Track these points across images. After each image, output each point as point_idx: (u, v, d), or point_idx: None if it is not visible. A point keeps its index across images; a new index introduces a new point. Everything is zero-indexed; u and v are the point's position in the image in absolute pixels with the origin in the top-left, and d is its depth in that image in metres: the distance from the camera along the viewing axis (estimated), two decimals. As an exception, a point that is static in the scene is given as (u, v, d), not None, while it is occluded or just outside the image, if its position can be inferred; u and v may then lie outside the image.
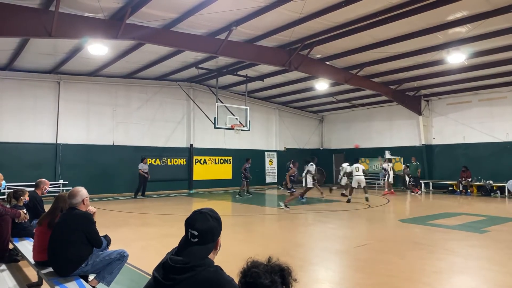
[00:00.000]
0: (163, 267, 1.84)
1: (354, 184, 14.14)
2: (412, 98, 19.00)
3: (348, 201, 13.54)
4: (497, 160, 16.81)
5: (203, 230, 1.84)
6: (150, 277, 1.94)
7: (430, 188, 18.60)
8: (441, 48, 12.40)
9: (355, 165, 14.42)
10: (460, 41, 11.76)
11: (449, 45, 12.11)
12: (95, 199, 14.41)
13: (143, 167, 15.83)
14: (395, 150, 20.68)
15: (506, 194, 15.89)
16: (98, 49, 11.51)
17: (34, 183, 6.50)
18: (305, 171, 14.37)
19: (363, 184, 14.02)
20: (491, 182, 16.44)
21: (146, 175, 15.85)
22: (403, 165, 19.26)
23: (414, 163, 18.75)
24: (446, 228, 8.65)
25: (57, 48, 12.54)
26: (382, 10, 9.94)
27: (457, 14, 10.19)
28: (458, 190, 17.25)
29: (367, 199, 13.59)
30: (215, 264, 1.84)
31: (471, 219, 9.84)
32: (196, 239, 1.84)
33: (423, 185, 18.63)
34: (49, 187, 6.74)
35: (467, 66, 13.89)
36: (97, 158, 16.14)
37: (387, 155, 20.54)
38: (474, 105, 17.90)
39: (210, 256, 1.87)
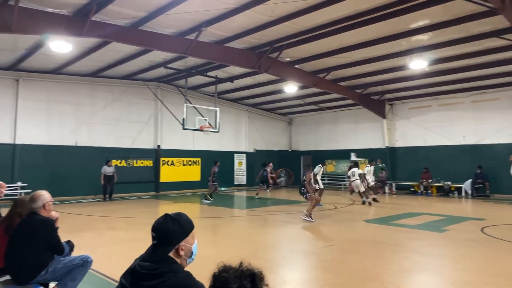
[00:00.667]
0: (131, 274, 1.79)
1: (355, 189, 14.02)
2: (377, 102, 19.62)
3: (363, 202, 13.56)
4: (455, 162, 17.68)
5: (160, 232, 1.86)
6: (116, 284, 1.89)
7: (394, 189, 19.25)
8: (405, 55, 12.91)
9: (352, 169, 14.14)
10: (422, 48, 12.29)
11: (412, 51, 12.63)
12: (57, 202, 13.76)
13: (105, 170, 15.14)
14: (360, 152, 21.24)
15: (463, 194, 16.74)
16: (61, 46, 11.07)
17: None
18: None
19: (360, 189, 13.73)
20: (449, 183, 17.27)
21: (108, 178, 15.10)
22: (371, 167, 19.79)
23: (380, 164, 19.35)
24: (408, 228, 8.99)
25: (17, 43, 11.95)
26: (350, 16, 10.21)
27: (420, 22, 10.64)
28: (419, 191, 17.99)
29: (364, 203, 13.50)
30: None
31: (431, 218, 10.28)
32: (154, 241, 1.86)
33: (387, 187, 19.25)
34: (6, 190, 6.38)
35: (428, 72, 14.53)
36: (58, 159, 15.48)
37: (353, 157, 21.09)
38: (434, 110, 18.73)
39: (181, 262, 1.85)
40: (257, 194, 16.51)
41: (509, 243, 7.16)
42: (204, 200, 14.81)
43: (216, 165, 15.38)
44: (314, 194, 10.65)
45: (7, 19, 8.87)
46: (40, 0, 9.05)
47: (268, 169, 16.82)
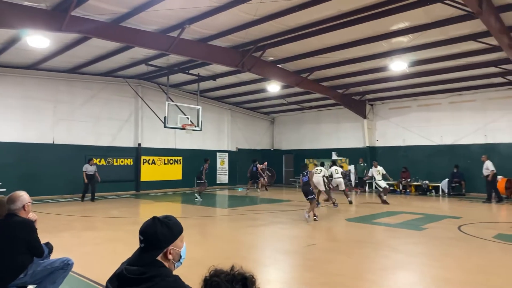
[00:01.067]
0: (118, 278, 1.75)
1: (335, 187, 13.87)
2: (358, 102, 19.90)
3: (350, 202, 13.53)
4: (433, 162, 18.13)
5: (148, 235, 1.82)
6: (95, 286, 1.84)
7: (373, 188, 19.55)
8: (385, 56, 13.13)
9: (334, 167, 14.16)
10: (402, 50, 12.52)
11: (392, 53, 12.85)
12: (33, 202, 13.35)
13: (87, 168, 14.52)
14: (341, 151, 21.52)
15: (440, 193, 17.19)
16: (38, 41, 10.75)
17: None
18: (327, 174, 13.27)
19: (342, 187, 13.86)
20: (427, 182, 17.69)
21: (90, 177, 14.40)
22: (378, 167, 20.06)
23: (362, 164, 19.65)
24: (389, 226, 9.17)
25: (-9, 37, 11.52)
26: (332, 16, 10.30)
27: (400, 25, 10.84)
28: (398, 190, 18.36)
29: (351, 202, 13.53)
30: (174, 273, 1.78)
31: (410, 217, 10.50)
32: (142, 244, 1.82)
33: (367, 186, 19.57)
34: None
35: (408, 73, 14.84)
36: (35, 157, 15.03)
37: (334, 156, 21.34)
38: (413, 110, 19.15)
39: (169, 266, 1.81)
40: (247, 190, 17.27)
41: (485, 241, 7.39)
42: (198, 198, 14.92)
43: (207, 163, 15.55)
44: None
45: (-19, 12, 8.54)
46: (16, -7, 8.75)
47: (262, 166, 18.03)
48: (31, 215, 3.69)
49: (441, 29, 10.69)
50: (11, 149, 14.54)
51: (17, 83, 14.94)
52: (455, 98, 17.67)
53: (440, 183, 17.31)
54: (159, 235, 1.81)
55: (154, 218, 1.86)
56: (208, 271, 1.51)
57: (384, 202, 13.51)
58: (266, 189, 17.85)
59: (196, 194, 15.29)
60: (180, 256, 1.89)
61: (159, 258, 1.81)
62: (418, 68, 14.35)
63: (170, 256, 1.84)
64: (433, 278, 5.18)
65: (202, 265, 1.59)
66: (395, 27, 11.01)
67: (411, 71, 14.56)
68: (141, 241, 1.81)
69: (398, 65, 13.48)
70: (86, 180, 14.35)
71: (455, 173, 17.07)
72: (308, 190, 10.07)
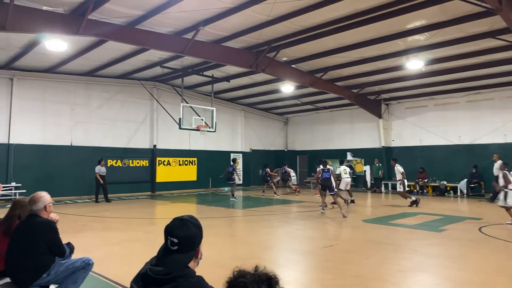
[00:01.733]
0: (143, 278, 1.75)
1: (342, 186, 13.71)
2: (373, 102, 19.68)
3: (352, 201, 13.47)
4: (451, 162, 17.77)
5: (183, 237, 1.79)
6: (114, 285, 1.85)
7: (390, 188, 19.33)
8: (401, 55, 12.95)
9: (343, 167, 14.21)
10: (419, 48, 12.33)
11: (408, 51, 12.67)
12: (53, 203, 13.64)
13: (100, 169, 14.58)
14: (356, 152, 21.32)
15: (459, 194, 16.84)
16: (56, 45, 10.97)
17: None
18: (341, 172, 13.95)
19: (348, 186, 13.81)
20: (445, 182, 17.35)
21: (103, 178, 14.48)
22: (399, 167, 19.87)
23: (377, 164, 19.41)
24: (407, 227, 9.02)
25: (11, 42, 11.80)
26: (347, 16, 10.21)
27: (416, 23, 10.68)
28: (415, 190, 18.05)
29: (353, 201, 13.45)
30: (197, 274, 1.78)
31: (429, 218, 10.32)
32: (176, 247, 1.78)
33: (383, 186, 19.33)
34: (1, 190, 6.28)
35: (424, 72, 14.59)
36: (54, 159, 15.33)
37: (349, 156, 21.16)
38: (430, 110, 18.83)
39: (191, 265, 1.81)
40: (263, 192, 17.86)
41: (507, 243, 7.20)
42: (234, 199, 15.32)
43: (236, 164, 16.31)
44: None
45: (1, 17, 8.75)
46: (35, -2, 8.94)
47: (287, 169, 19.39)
48: (53, 216, 3.75)
49: (458, 26, 10.48)
50: (31, 151, 14.87)
51: (36, 86, 15.28)
52: (473, 96, 17.31)
53: (458, 183, 16.96)
54: (193, 236, 1.82)
55: (182, 219, 1.85)
56: (232, 272, 1.51)
57: (414, 202, 12.73)
58: (275, 193, 17.84)
59: (232, 195, 15.60)
60: (201, 254, 1.91)
61: (186, 259, 1.81)
62: (434, 66, 14.11)
63: (200, 256, 1.86)
64: (453, 280, 5.07)
65: (218, 266, 1.59)
66: (411, 25, 10.85)
67: (427, 69, 14.32)
68: (174, 244, 1.77)
69: (414, 64, 13.27)
70: (101, 181, 14.48)
71: (474, 173, 16.71)
72: (330, 186, 10.90)
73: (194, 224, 1.85)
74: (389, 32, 11.35)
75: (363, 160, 21.04)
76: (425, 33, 11.15)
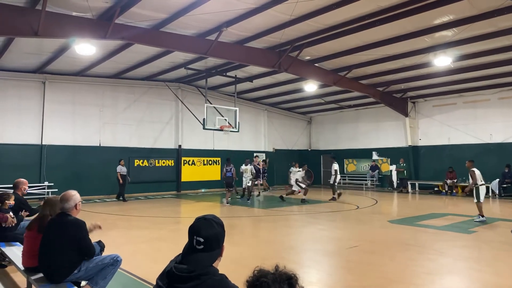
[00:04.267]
0: (168, 276, 1.81)
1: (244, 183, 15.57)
2: (399, 100, 19.26)
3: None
4: (481, 161, 16.96)
5: (208, 237, 1.83)
6: (142, 283, 1.92)
7: (417, 188, 18.87)
8: (428, 51, 12.61)
9: (245, 167, 15.77)
10: (447, 44, 11.98)
11: (435, 48, 12.32)
12: (82, 201, 14.11)
13: (121, 169, 14.82)
14: (382, 151, 20.93)
15: (490, 194, 16.22)
16: (85, 49, 11.31)
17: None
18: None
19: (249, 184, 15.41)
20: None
21: (123, 177, 14.73)
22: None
23: (402, 164, 19.01)
24: (434, 228, 8.79)
25: (43, 47, 12.30)
26: (371, 13, 10.06)
27: (444, 18, 10.37)
28: (444, 191, 17.54)
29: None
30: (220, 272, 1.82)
31: (457, 219, 10.02)
32: (201, 246, 1.82)
33: (409, 186, 18.89)
34: (35, 190, 6.57)
35: (452, 69, 14.15)
36: (83, 159, 15.87)
37: (374, 156, 20.81)
38: (459, 107, 18.25)
39: (215, 263, 1.86)
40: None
41: (541, 246, 6.90)
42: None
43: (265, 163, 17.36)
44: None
45: (34, 24, 9.14)
46: (65, 4, 9.28)
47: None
48: (96, 223, 4.05)
49: (489, 20, 10.11)
50: (61, 152, 15.45)
51: (67, 89, 15.87)
52: (505, 93, 16.65)
53: (490, 183, 16.33)
54: (219, 236, 1.87)
55: (206, 219, 1.89)
56: (253, 271, 1.53)
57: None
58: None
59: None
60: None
61: (212, 257, 1.86)
62: (463, 63, 13.67)
63: (223, 254, 1.91)
64: (482, 284, 4.91)
65: (240, 265, 1.61)
66: (438, 21, 10.56)
67: (456, 66, 13.88)
68: (200, 243, 1.81)
69: (442, 61, 12.86)
70: (121, 181, 14.68)
71: (507, 173, 16.06)
72: (230, 183, 14.02)
73: (217, 223, 1.89)
74: (415, 29, 11.08)
75: (389, 159, 20.64)
76: (453, 28, 10.82)
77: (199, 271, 1.74)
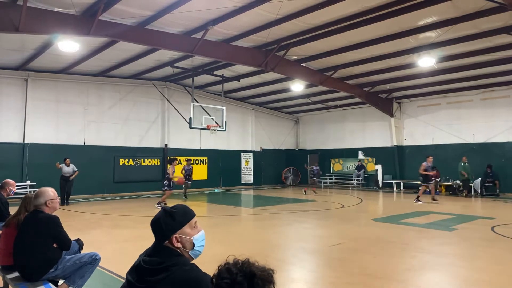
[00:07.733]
0: (136, 270, 1.78)
1: None
2: (384, 100, 19.48)
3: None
4: (464, 161, 17.42)
5: (153, 225, 1.87)
6: (122, 280, 1.89)
7: (402, 188, 19.10)
8: (413, 52, 12.79)
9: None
10: (431, 45, 12.16)
11: (420, 49, 12.50)
12: (57, 199, 13.88)
13: (63, 169, 13.33)
14: (368, 151, 21.13)
15: (472, 193, 16.52)
16: (69, 45, 11.15)
17: (-2, 185, 6.17)
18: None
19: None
20: (458, 181, 17.04)
21: (66, 179, 13.32)
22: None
23: (463, 163, 18.08)
24: (417, 226, 8.91)
25: (25, 43, 12.06)
26: (357, 13, 10.14)
27: (428, 19, 10.53)
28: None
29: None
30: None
31: (440, 217, 10.16)
32: (154, 235, 1.87)
33: (394, 185, 19.11)
34: (16, 189, 6.42)
35: (436, 69, 14.38)
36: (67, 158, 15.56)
37: (360, 155, 20.98)
38: (443, 108, 18.55)
39: (183, 253, 1.82)
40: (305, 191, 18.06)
41: (520, 242, 7.05)
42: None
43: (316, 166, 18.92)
44: None
45: (15, 19, 8.95)
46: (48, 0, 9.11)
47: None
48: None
49: (471, 22, 10.31)
50: (44, 150, 15.16)
51: (50, 87, 15.58)
52: (488, 94, 16.99)
53: (472, 183, 16.64)
54: (162, 224, 1.84)
55: (162, 208, 1.90)
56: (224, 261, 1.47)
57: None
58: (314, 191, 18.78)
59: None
60: (193, 244, 1.87)
61: (170, 246, 1.83)
62: (447, 64, 13.89)
63: (178, 244, 1.83)
64: (462, 280, 4.99)
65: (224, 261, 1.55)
66: (422, 22, 10.71)
67: (439, 67, 14.10)
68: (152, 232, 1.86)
69: (426, 61, 13.07)
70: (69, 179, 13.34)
71: (489, 172, 16.39)
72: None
73: (168, 213, 1.86)
74: (400, 29, 11.22)
75: (374, 159, 20.84)
76: (437, 29, 11.00)
77: (167, 263, 1.72)
